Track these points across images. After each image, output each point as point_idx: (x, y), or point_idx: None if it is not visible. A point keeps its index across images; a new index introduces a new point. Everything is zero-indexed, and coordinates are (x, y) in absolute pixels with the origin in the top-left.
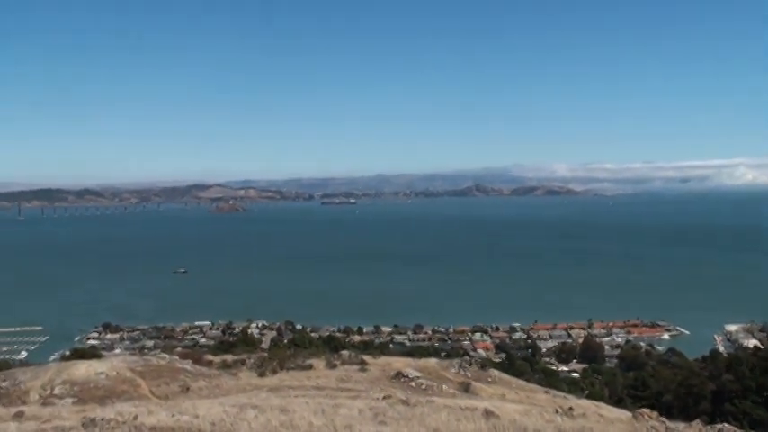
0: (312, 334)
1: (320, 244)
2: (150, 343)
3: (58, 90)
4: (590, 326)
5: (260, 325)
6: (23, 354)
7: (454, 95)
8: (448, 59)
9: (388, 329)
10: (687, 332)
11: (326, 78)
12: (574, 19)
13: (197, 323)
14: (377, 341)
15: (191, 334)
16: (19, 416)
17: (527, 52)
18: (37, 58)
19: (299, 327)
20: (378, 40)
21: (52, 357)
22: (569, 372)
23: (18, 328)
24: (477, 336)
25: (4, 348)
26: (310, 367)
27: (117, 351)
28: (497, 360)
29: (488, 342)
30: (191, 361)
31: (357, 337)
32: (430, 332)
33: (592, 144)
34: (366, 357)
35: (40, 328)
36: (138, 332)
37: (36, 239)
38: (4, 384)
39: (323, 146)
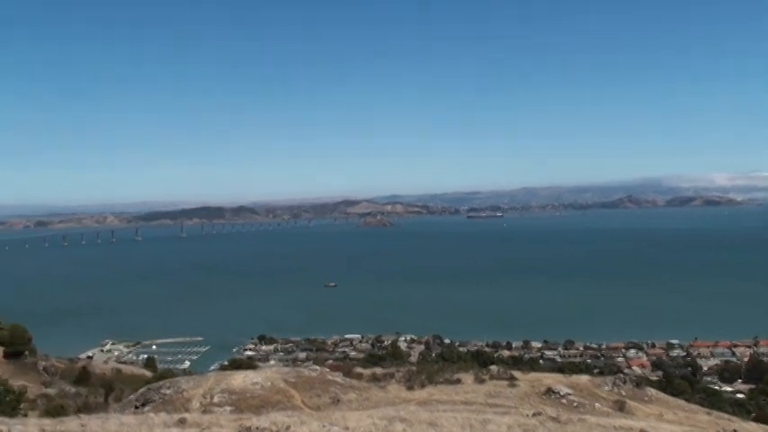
0: (460, 348)
1: (467, 258)
2: (303, 355)
3: (216, 114)
4: (756, 344)
5: (408, 339)
6: (186, 363)
7: (604, 106)
8: (597, 70)
9: (538, 345)
10: None
11: (471, 94)
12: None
13: (347, 336)
14: (526, 356)
15: (341, 347)
16: (182, 422)
17: (678, 58)
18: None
19: (447, 341)
20: (526, 53)
21: (212, 367)
22: (734, 392)
23: (182, 339)
24: (632, 352)
25: (169, 358)
26: (458, 382)
27: (272, 362)
28: (654, 378)
29: (644, 359)
30: (341, 373)
31: (506, 352)
32: (581, 348)
33: (753, 151)
34: (515, 373)
35: (202, 338)
36: (291, 344)
37: (196, 255)
38: (168, 392)
39: (469, 160)
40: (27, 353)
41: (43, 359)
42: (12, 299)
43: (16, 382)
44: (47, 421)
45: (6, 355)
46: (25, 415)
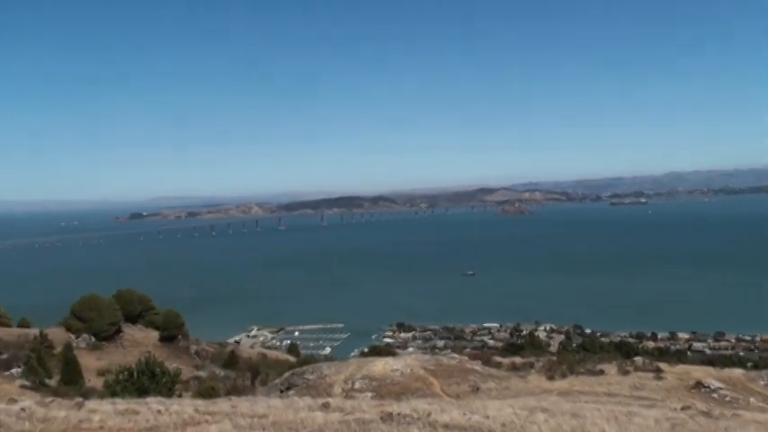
0: (602, 339)
1: (609, 246)
2: (441, 343)
3: (355, 106)
4: None
5: (548, 328)
6: (327, 349)
7: (757, 84)
8: (747, 49)
9: (686, 336)
10: None
11: (615, 80)
12: None
13: (485, 325)
14: (673, 348)
15: (479, 335)
16: (325, 407)
17: None
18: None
19: (588, 331)
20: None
21: (352, 354)
22: None
23: (323, 326)
24: None
25: (311, 344)
26: (601, 373)
27: (410, 349)
28: None
29: None
30: (480, 362)
31: (651, 344)
32: (733, 340)
33: None
34: (661, 365)
35: (342, 325)
36: (429, 332)
37: (336, 244)
38: (311, 377)
39: (609, 145)
40: (180, 337)
41: (195, 343)
42: (165, 285)
43: (171, 365)
44: (200, 402)
45: (162, 339)
46: (180, 395)
